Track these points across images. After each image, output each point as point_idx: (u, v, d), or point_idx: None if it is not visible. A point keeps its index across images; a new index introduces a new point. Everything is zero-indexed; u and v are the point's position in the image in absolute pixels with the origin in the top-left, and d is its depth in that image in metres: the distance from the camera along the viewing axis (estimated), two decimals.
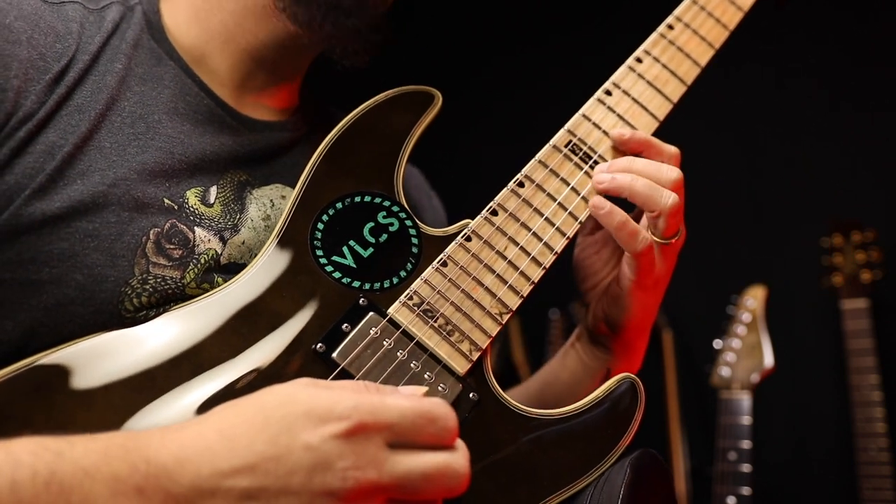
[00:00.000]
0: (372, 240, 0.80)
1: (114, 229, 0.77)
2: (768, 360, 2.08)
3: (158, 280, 0.78)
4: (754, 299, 2.16)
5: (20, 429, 0.58)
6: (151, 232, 0.78)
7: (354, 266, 0.78)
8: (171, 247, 0.79)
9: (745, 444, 2.01)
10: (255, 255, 0.85)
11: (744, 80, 2.51)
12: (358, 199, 0.81)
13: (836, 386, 2.24)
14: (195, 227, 0.81)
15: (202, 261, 0.81)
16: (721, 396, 2.09)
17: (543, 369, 0.99)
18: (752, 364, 2.09)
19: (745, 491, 1.97)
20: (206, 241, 0.82)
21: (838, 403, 2.21)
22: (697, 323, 2.38)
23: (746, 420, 2.03)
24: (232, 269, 0.83)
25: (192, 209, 0.82)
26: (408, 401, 0.60)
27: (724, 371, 2.11)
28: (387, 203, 0.81)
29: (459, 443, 0.62)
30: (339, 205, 0.80)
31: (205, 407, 0.67)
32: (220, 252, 0.82)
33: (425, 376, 0.73)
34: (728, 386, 2.09)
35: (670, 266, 0.87)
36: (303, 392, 0.59)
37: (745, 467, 1.98)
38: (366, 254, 0.79)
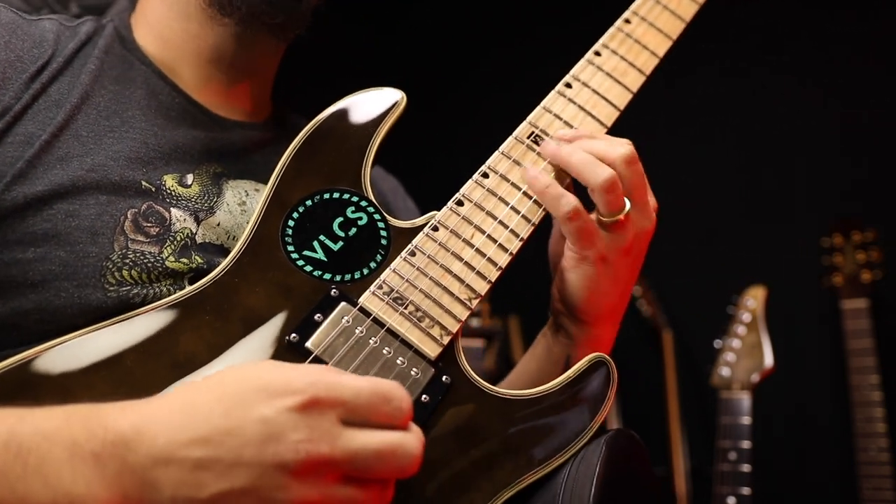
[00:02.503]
0: (342, 234, 0.81)
1: (93, 210, 0.81)
2: (768, 360, 2.08)
3: (138, 254, 0.81)
4: (754, 299, 2.16)
5: None
6: (129, 212, 0.82)
7: (325, 259, 0.80)
8: (148, 224, 0.83)
9: (745, 444, 2.00)
10: (232, 237, 0.88)
11: (743, 80, 2.51)
12: (327, 195, 0.83)
13: (836, 386, 2.24)
14: (171, 208, 0.85)
15: (178, 238, 0.84)
16: (721, 396, 2.09)
17: (521, 359, 1.00)
18: (752, 364, 2.09)
19: (745, 491, 1.97)
20: (181, 220, 0.85)
21: (838, 403, 2.21)
22: (697, 323, 2.38)
23: (746, 420, 2.03)
24: (208, 248, 0.86)
25: (169, 191, 0.86)
26: (364, 380, 0.61)
27: (724, 371, 2.11)
28: (355, 199, 0.84)
29: (413, 425, 0.62)
30: (308, 202, 0.83)
31: None
32: (194, 231, 0.86)
33: (398, 361, 0.74)
34: (728, 386, 2.09)
35: (624, 245, 0.84)
36: (261, 368, 0.60)
37: (745, 467, 1.98)
38: (336, 247, 0.81)
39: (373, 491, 0.60)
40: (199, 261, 0.84)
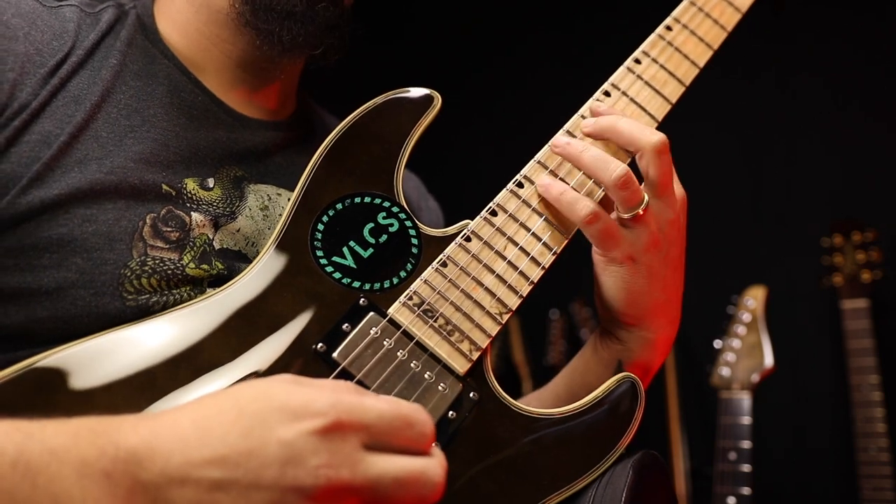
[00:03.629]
0: (372, 240, 0.80)
1: (111, 214, 0.78)
2: (768, 360, 2.08)
3: (157, 261, 0.79)
4: (754, 299, 2.16)
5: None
6: (148, 217, 0.79)
7: (354, 266, 0.78)
8: (168, 229, 0.80)
9: (745, 444, 2.00)
10: (252, 243, 0.86)
11: (744, 81, 2.51)
12: (358, 199, 0.81)
13: (836, 386, 2.24)
14: (192, 212, 0.83)
15: (197, 244, 0.82)
16: (721, 396, 2.09)
17: (567, 366, 0.98)
18: (752, 364, 2.09)
19: (745, 491, 1.97)
20: (200, 225, 0.82)
21: (838, 403, 2.22)
22: (697, 323, 2.38)
23: (746, 420, 2.03)
24: (228, 254, 0.83)
25: (190, 194, 0.83)
26: (386, 403, 0.59)
27: (725, 371, 2.11)
28: (387, 204, 0.82)
29: (437, 451, 0.61)
30: (339, 205, 0.81)
31: None
32: (211, 237, 0.83)
33: (425, 376, 0.73)
34: (728, 386, 2.09)
35: (648, 240, 0.82)
36: (279, 387, 0.58)
37: (745, 467, 1.98)
38: (366, 254, 0.79)
39: None
40: (220, 266, 0.81)
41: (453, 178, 2.48)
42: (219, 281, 0.80)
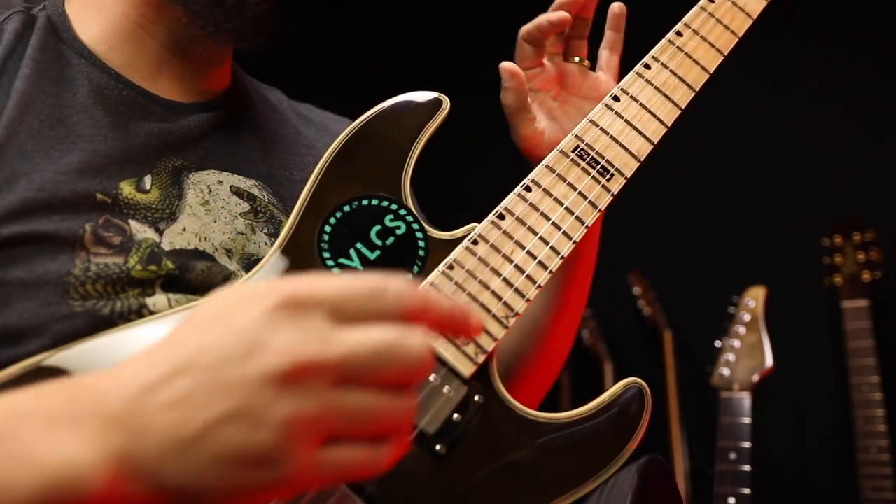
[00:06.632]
0: (379, 242, 0.80)
1: (48, 228, 0.76)
2: (768, 360, 2.08)
3: (101, 266, 0.77)
4: (754, 299, 2.16)
5: None
6: (87, 225, 0.78)
7: (361, 268, 0.78)
8: (109, 234, 0.79)
9: (745, 444, 2.00)
10: (203, 238, 0.85)
11: (744, 80, 2.51)
12: (365, 202, 0.81)
13: (836, 386, 2.25)
14: (129, 220, 0.81)
15: (143, 246, 0.80)
16: (721, 396, 2.09)
17: None
18: (753, 364, 2.09)
19: (745, 491, 1.97)
20: (141, 231, 0.81)
21: (838, 403, 2.22)
22: (697, 323, 2.39)
23: (746, 420, 2.03)
24: (182, 254, 0.82)
25: (126, 200, 0.81)
26: (356, 276, 0.52)
27: (725, 371, 2.11)
28: (394, 206, 0.81)
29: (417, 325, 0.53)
30: (346, 208, 0.81)
31: None
32: (158, 241, 0.82)
33: (430, 378, 0.73)
34: (728, 386, 2.09)
35: None
36: (231, 289, 0.53)
37: (745, 467, 1.98)
38: (373, 256, 0.79)
39: (385, 400, 0.50)
40: (170, 266, 0.80)
41: (459, 180, 2.48)
42: (171, 280, 0.80)
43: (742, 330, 2.14)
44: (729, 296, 2.21)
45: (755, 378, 2.07)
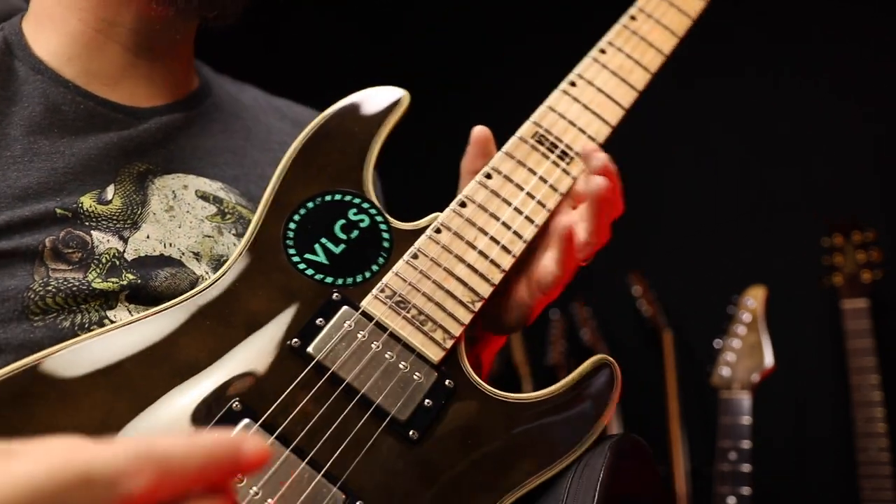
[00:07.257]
0: (343, 236, 0.81)
1: (8, 246, 0.77)
2: (768, 359, 2.08)
3: (61, 281, 0.78)
4: (754, 299, 2.16)
5: (2, 434, 0.58)
6: (47, 240, 0.79)
7: (327, 263, 0.79)
8: (69, 250, 0.79)
9: (745, 444, 2.01)
10: (168, 244, 0.85)
11: (744, 80, 2.51)
12: (329, 197, 0.83)
13: (836, 386, 2.24)
14: (91, 231, 0.81)
15: (104, 259, 0.81)
16: (721, 396, 2.09)
17: None
18: (753, 364, 2.09)
19: (745, 491, 1.97)
20: (104, 241, 0.81)
21: (838, 403, 2.21)
22: (697, 323, 2.38)
23: (746, 420, 2.03)
24: (145, 262, 0.83)
25: (87, 213, 0.81)
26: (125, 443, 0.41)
27: (725, 371, 2.11)
28: (357, 200, 0.83)
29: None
30: (309, 204, 0.82)
31: (181, 404, 0.68)
32: (122, 250, 0.82)
33: (400, 366, 0.74)
34: (728, 386, 2.09)
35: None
36: None
37: (745, 467, 1.98)
38: (338, 250, 0.80)
39: None
40: (132, 277, 0.80)
41: (430, 175, 2.49)
42: (134, 290, 0.80)
43: (742, 330, 2.14)
44: (729, 296, 2.21)
45: (755, 378, 2.07)
